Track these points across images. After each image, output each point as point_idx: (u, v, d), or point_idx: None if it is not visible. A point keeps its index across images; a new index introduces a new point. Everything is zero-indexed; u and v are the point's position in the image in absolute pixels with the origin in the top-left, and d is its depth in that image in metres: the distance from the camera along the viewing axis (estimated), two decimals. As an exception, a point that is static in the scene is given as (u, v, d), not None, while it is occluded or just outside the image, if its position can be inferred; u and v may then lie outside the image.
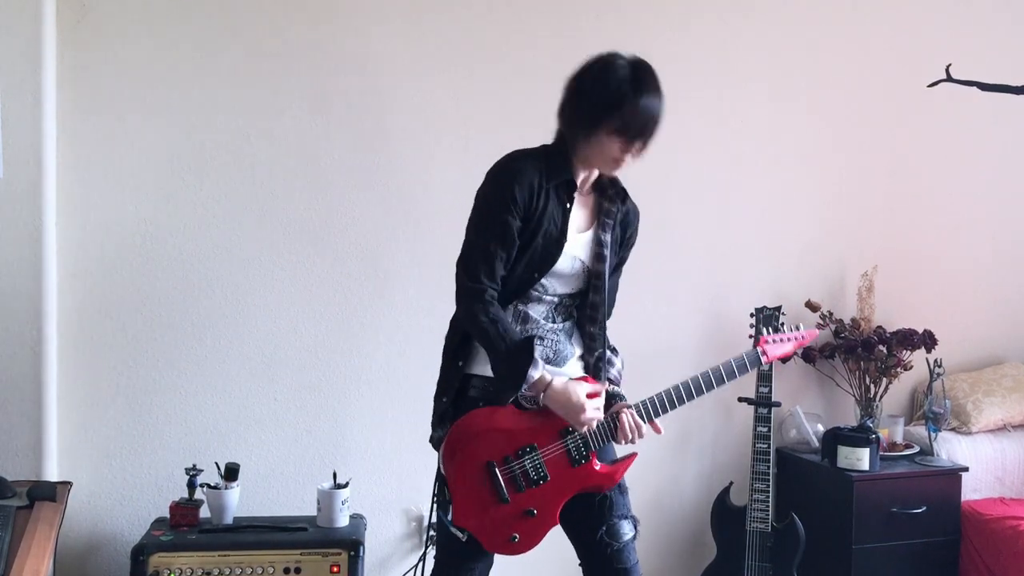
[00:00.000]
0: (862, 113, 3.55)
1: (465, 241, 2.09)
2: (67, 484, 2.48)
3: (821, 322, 3.42)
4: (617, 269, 2.25)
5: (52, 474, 2.75)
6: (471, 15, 3.13)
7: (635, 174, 3.42)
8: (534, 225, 2.03)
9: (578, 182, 2.11)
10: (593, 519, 2.13)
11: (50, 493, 2.35)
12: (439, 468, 2.08)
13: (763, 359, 2.25)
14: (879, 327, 3.40)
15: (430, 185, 3.09)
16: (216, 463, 2.81)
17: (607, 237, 2.14)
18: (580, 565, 2.21)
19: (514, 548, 2.07)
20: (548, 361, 2.09)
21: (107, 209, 2.87)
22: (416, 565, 3.08)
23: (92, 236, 2.86)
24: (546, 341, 2.10)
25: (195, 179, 2.93)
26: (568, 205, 2.08)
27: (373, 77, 3.04)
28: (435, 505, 2.17)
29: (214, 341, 2.96)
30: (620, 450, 2.18)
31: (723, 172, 3.42)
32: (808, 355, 3.43)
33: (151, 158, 2.90)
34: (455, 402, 2.09)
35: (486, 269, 2.01)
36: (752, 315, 3.20)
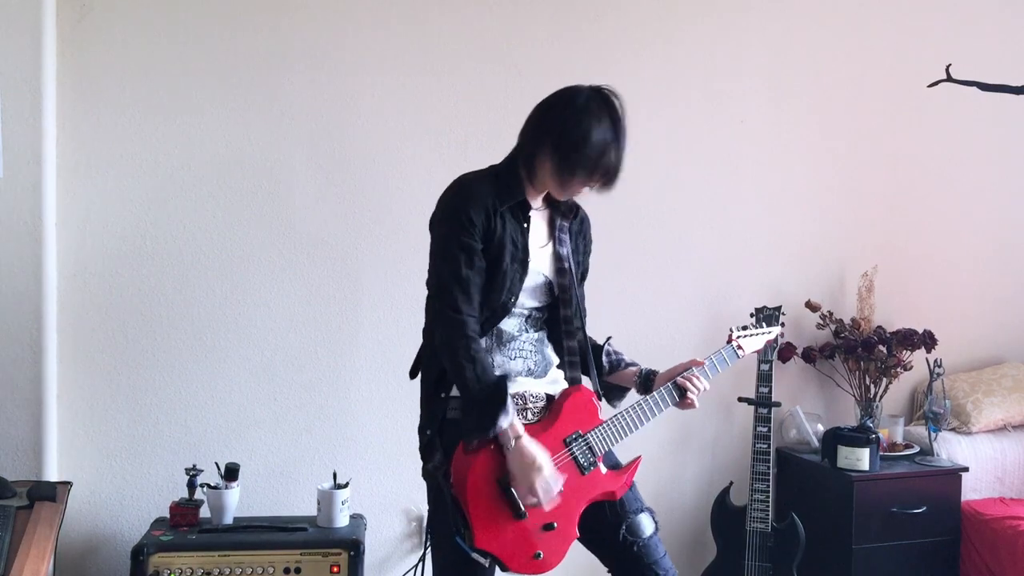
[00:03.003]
0: (862, 113, 3.55)
1: (433, 273, 2.03)
2: (67, 484, 2.48)
3: (821, 322, 3.42)
4: (582, 280, 2.23)
5: (52, 474, 2.76)
6: (470, 16, 3.13)
7: (635, 174, 3.42)
8: (496, 248, 1.99)
9: (532, 203, 2.10)
10: (610, 521, 2.09)
11: (50, 493, 2.35)
12: (448, 495, 1.99)
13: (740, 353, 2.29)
14: (879, 327, 3.40)
15: (431, 186, 3.08)
16: (216, 463, 2.81)
17: (565, 251, 2.13)
18: (608, 571, 2.17)
19: (539, 566, 2.01)
20: (530, 373, 2.09)
21: (107, 209, 2.87)
22: (416, 565, 3.08)
23: (92, 236, 2.87)
24: (525, 352, 2.09)
25: (195, 179, 2.93)
26: (525, 224, 2.06)
27: (373, 77, 3.04)
28: (429, 535, 2.12)
29: (214, 341, 2.96)
30: (621, 455, 2.17)
31: (723, 172, 3.42)
32: (808, 355, 3.43)
33: (151, 158, 2.90)
34: (439, 430, 2.04)
35: (463, 296, 1.96)
36: (752, 315, 3.20)
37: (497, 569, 2.04)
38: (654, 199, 3.34)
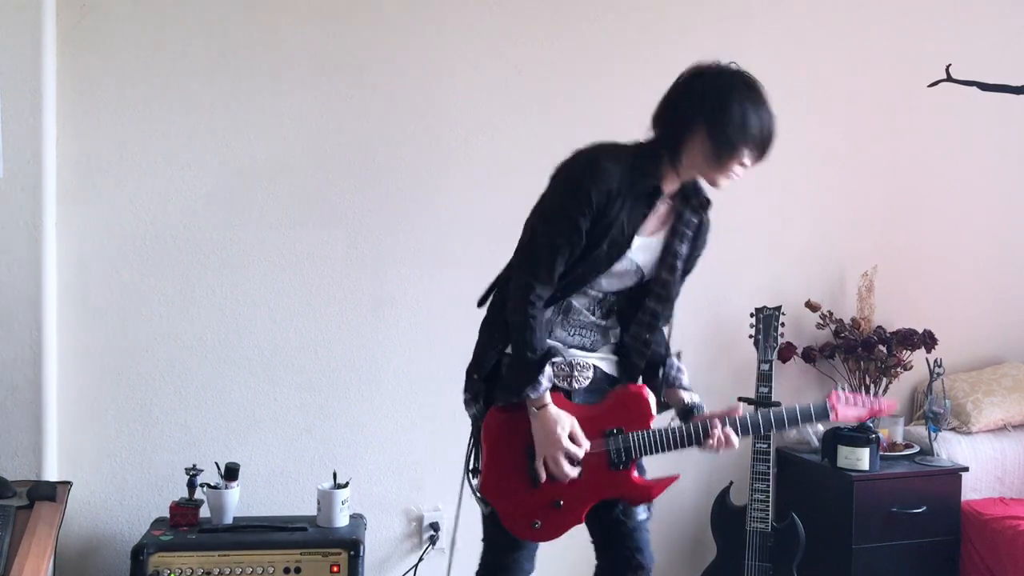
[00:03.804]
0: (862, 113, 3.55)
1: (531, 230, 2.04)
2: (67, 484, 2.48)
3: (821, 322, 3.42)
4: (683, 278, 2.20)
5: (52, 474, 2.75)
6: (470, 16, 3.13)
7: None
8: (602, 229, 1.97)
9: (666, 190, 2.06)
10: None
11: (50, 493, 2.35)
12: (475, 438, 2.09)
13: (832, 415, 2.15)
14: (879, 327, 3.40)
15: (431, 187, 3.09)
16: (216, 463, 2.81)
17: (682, 248, 2.10)
18: (592, 541, 2.21)
19: (534, 534, 2.07)
20: (583, 348, 2.09)
21: (107, 209, 2.87)
22: (416, 565, 3.09)
23: (92, 236, 2.86)
24: (584, 331, 2.10)
25: (195, 179, 2.93)
26: (647, 212, 2.03)
27: (374, 77, 3.04)
28: (466, 473, 2.14)
29: (214, 341, 2.96)
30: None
31: (723, 172, 3.41)
32: (808, 355, 3.43)
33: (151, 158, 2.90)
34: (487, 379, 2.07)
35: (547, 268, 1.97)
36: (752, 315, 3.21)
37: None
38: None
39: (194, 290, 2.94)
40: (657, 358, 2.19)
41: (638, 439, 2.07)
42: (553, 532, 2.07)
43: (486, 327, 2.13)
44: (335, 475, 2.87)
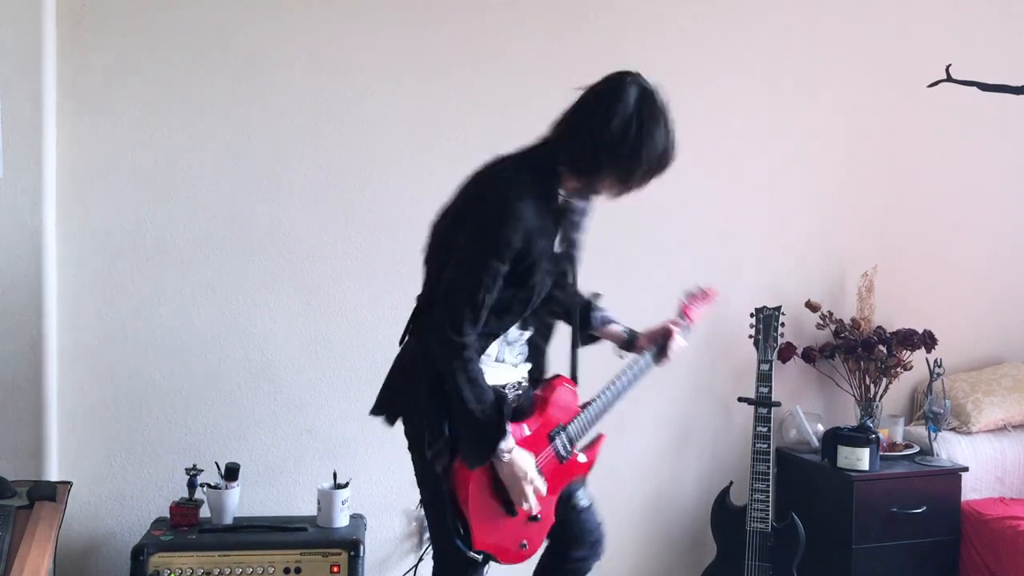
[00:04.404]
0: (862, 113, 3.55)
1: (452, 278, 1.96)
2: (67, 484, 2.47)
3: (821, 322, 3.42)
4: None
5: (52, 474, 2.76)
6: (470, 15, 3.13)
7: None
8: (528, 267, 1.97)
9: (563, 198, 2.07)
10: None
11: (50, 493, 2.35)
12: (447, 494, 2.01)
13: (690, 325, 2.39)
14: (879, 327, 3.40)
15: (431, 185, 3.08)
16: (216, 463, 2.81)
17: (576, 235, 2.15)
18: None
19: (523, 555, 2.12)
20: (514, 365, 2.14)
21: (107, 209, 2.87)
22: (416, 565, 3.08)
23: (92, 236, 2.87)
24: (520, 347, 2.15)
25: (194, 178, 2.93)
26: (560, 231, 2.06)
27: (373, 78, 3.04)
28: (431, 531, 2.15)
29: (214, 341, 2.96)
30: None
31: (723, 172, 3.41)
32: (808, 355, 3.43)
33: (151, 158, 2.90)
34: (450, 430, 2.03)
35: (471, 319, 1.92)
36: (752, 315, 3.21)
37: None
38: (654, 199, 3.32)
39: (194, 290, 2.94)
40: (580, 304, 2.28)
41: (577, 425, 2.15)
42: (537, 544, 2.15)
43: (425, 380, 2.01)
44: (335, 475, 2.87)
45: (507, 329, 2.07)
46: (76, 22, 2.81)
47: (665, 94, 2.04)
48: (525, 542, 2.10)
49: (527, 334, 2.17)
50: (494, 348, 2.07)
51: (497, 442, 1.94)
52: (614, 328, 2.33)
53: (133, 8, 2.86)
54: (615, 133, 1.95)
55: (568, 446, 2.13)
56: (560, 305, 2.22)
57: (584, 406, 2.17)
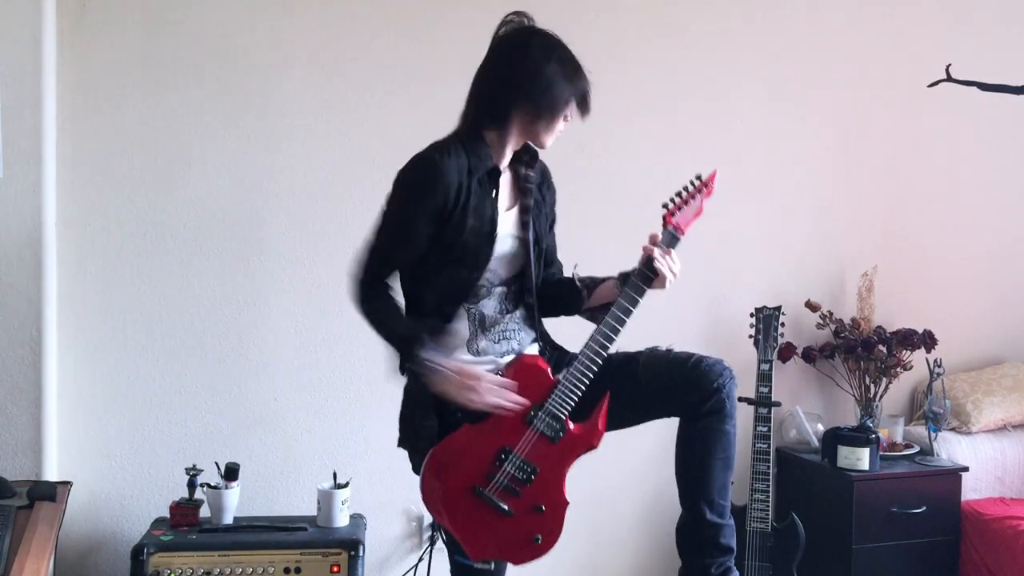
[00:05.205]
0: (862, 113, 3.55)
1: (367, 238, 2.05)
2: (67, 484, 2.48)
3: (821, 322, 3.42)
4: (551, 228, 2.22)
5: (52, 474, 2.75)
6: (470, 15, 3.12)
7: (635, 175, 3.42)
8: (456, 226, 1.95)
9: (501, 167, 2.05)
10: (621, 382, 2.03)
11: (50, 493, 2.35)
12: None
13: (678, 234, 2.11)
14: (879, 327, 3.40)
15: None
16: (216, 463, 2.81)
17: (529, 201, 2.10)
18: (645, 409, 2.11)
19: (541, 549, 1.98)
20: (512, 352, 2.06)
21: (107, 209, 2.87)
22: (416, 565, 3.08)
23: (92, 236, 2.86)
24: (509, 333, 2.07)
25: (195, 178, 2.93)
26: (494, 193, 2.03)
27: (371, 82, 3.04)
28: (442, 545, 2.12)
29: (214, 341, 2.96)
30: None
31: (723, 172, 3.37)
32: (808, 355, 3.43)
33: (150, 157, 2.90)
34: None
35: (378, 269, 2.01)
36: (752, 315, 3.21)
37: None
38: (653, 199, 3.32)
39: (194, 290, 2.94)
40: (564, 279, 2.22)
41: (556, 400, 1.97)
42: (555, 535, 1.99)
43: (407, 396, 2.07)
44: (335, 475, 2.87)
45: (460, 301, 2.00)
46: (76, 22, 2.81)
47: (550, 29, 2.06)
48: (538, 536, 1.97)
49: (511, 316, 2.07)
50: (462, 334, 2.01)
51: (412, 348, 1.91)
52: (606, 285, 2.14)
53: (133, 8, 2.86)
54: (502, 68, 2.02)
55: (555, 424, 1.96)
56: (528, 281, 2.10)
57: (564, 373, 1.98)
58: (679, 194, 2.12)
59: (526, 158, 2.13)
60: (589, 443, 2.00)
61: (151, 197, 2.90)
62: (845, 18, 3.52)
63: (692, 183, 2.15)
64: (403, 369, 2.04)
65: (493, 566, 1.99)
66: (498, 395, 1.93)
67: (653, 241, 2.06)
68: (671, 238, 2.08)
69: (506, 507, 1.95)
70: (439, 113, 3.06)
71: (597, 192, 3.22)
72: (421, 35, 3.08)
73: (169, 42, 2.89)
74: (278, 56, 2.97)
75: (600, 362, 1.98)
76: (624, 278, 2.08)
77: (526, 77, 1.98)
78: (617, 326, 2.00)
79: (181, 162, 2.92)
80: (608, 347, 1.99)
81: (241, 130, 2.95)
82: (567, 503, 2.00)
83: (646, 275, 2.02)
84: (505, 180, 2.09)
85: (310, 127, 3.00)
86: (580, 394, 1.98)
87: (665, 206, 2.11)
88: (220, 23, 2.92)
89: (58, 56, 2.78)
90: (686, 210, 2.13)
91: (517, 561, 2.01)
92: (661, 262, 2.01)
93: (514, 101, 1.99)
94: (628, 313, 2.00)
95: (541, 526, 1.98)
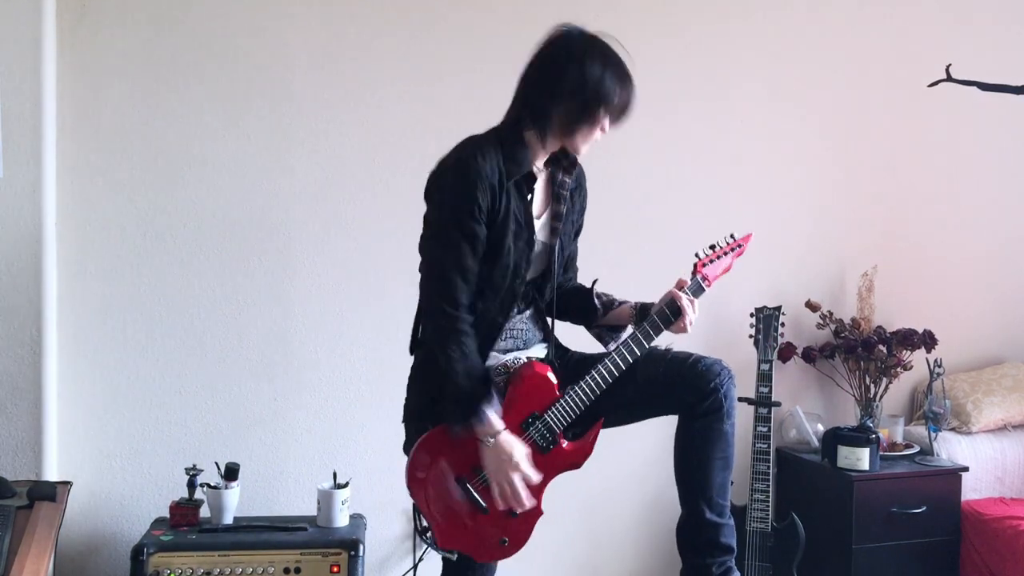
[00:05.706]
0: (862, 113, 3.55)
1: (431, 258, 1.96)
2: (67, 484, 2.48)
3: (821, 322, 3.42)
4: (577, 236, 2.21)
5: (52, 474, 2.75)
6: (470, 16, 3.12)
7: (635, 175, 3.42)
8: (499, 229, 1.93)
9: (536, 168, 2.03)
10: (619, 385, 2.02)
11: (50, 493, 2.35)
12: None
13: (704, 285, 2.11)
14: (879, 327, 3.40)
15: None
16: (216, 463, 2.81)
17: (562, 208, 2.08)
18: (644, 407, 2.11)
19: (506, 551, 2.02)
20: (516, 349, 2.06)
21: (107, 209, 2.87)
22: (416, 565, 3.08)
23: (92, 236, 2.87)
24: (516, 331, 2.07)
25: (194, 178, 2.93)
26: (529, 197, 2.00)
27: (371, 82, 3.04)
28: (415, 532, 2.12)
29: (214, 341, 2.96)
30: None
31: (723, 172, 3.41)
32: (808, 355, 3.43)
33: (151, 158, 2.90)
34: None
35: (464, 288, 1.91)
36: (752, 315, 3.21)
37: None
38: (653, 199, 3.34)
39: (194, 290, 2.94)
40: (582, 290, 2.21)
41: (555, 413, 1.99)
42: (521, 540, 2.02)
43: (415, 371, 2.06)
44: (335, 475, 2.87)
45: (502, 309, 1.99)
46: (76, 22, 2.81)
47: (610, 40, 2.04)
48: (506, 539, 1.99)
49: (523, 316, 2.08)
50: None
51: (480, 407, 1.88)
52: (623, 309, 2.16)
53: (133, 8, 2.86)
54: (551, 67, 1.98)
55: (547, 436, 1.98)
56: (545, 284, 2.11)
57: (568, 390, 2.00)
58: (712, 247, 2.16)
59: (565, 163, 2.11)
60: (574, 462, 2.04)
61: (151, 197, 2.90)
62: (845, 18, 3.52)
63: (727, 240, 2.19)
64: (413, 350, 2.06)
65: (456, 557, 2.02)
66: (519, 491, 1.93)
67: (680, 286, 2.08)
68: (698, 287, 2.11)
69: (484, 504, 1.97)
70: (439, 113, 3.11)
71: (597, 192, 3.20)
72: (421, 35, 3.08)
73: (169, 42, 2.89)
74: (278, 56, 2.97)
75: (604, 387, 2.00)
76: (643, 311, 2.11)
77: (573, 77, 1.95)
78: (629, 357, 2.02)
79: (181, 162, 2.92)
80: (616, 375, 2.01)
81: (241, 130, 2.95)
82: (541, 513, 2.02)
83: (667, 316, 2.04)
84: (541, 181, 2.07)
85: (310, 127, 3.00)
86: (579, 413, 2.00)
87: (697, 256, 2.13)
88: (220, 23, 2.92)
89: (58, 56, 2.78)
90: (716, 264, 2.16)
91: (480, 559, 2.04)
92: (688, 308, 2.03)
93: (557, 102, 1.96)
94: (642, 348, 2.02)
95: (511, 530, 2.00)
